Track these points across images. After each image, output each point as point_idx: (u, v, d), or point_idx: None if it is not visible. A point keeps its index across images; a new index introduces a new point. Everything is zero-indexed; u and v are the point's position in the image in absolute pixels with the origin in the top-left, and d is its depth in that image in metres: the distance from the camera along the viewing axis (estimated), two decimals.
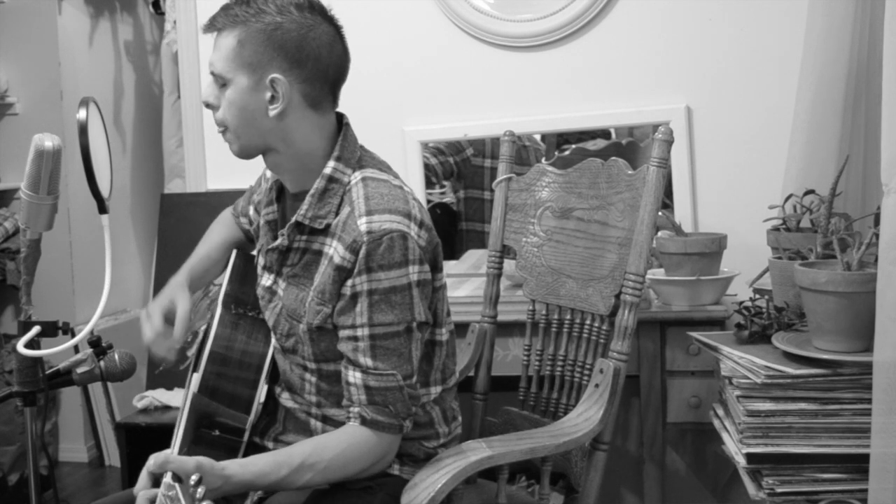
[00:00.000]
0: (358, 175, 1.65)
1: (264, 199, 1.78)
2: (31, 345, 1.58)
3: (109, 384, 3.72)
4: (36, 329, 1.59)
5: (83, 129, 1.54)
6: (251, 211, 1.91)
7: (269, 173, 1.79)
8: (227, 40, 1.59)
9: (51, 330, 1.61)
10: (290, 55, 1.58)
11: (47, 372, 1.64)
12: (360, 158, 1.68)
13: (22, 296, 1.63)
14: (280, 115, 1.59)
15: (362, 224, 1.57)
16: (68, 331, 1.64)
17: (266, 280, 1.75)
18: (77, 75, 3.76)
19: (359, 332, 1.58)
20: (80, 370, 1.66)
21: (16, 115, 3.69)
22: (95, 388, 3.76)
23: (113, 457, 3.74)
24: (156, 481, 1.46)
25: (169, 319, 1.75)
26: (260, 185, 1.88)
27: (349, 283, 1.58)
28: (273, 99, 1.59)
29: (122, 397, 3.72)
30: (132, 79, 4.10)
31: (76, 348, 1.89)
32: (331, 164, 1.64)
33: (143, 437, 2.90)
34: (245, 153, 1.65)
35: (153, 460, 1.45)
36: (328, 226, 1.63)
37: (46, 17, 3.65)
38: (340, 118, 1.70)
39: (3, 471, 3.24)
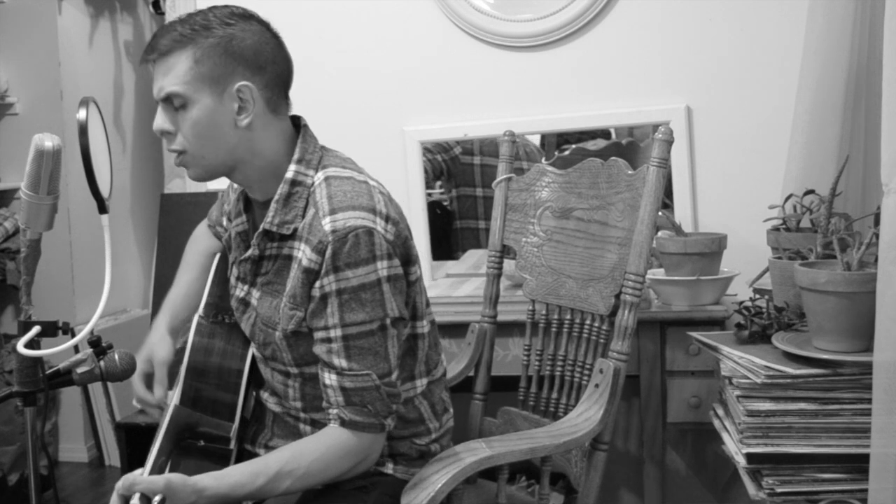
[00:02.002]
0: (321, 175, 1.63)
1: (233, 209, 1.77)
2: (31, 345, 1.58)
3: (109, 384, 3.72)
4: (36, 329, 1.59)
5: (83, 129, 1.54)
6: (225, 221, 1.89)
7: (236, 184, 1.78)
8: (179, 61, 1.56)
9: (51, 330, 1.61)
10: (249, 62, 1.58)
11: (47, 372, 1.63)
12: (321, 158, 1.67)
13: (22, 296, 1.63)
14: (248, 125, 1.59)
15: (326, 224, 1.56)
16: (68, 331, 1.64)
17: (239, 291, 1.74)
18: (77, 75, 3.76)
19: (331, 334, 1.57)
20: (80, 370, 1.66)
21: (16, 115, 3.69)
22: (95, 388, 3.76)
23: (113, 457, 3.74)
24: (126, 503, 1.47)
25: (150, 375, 1.78)
26: (229, 196, 1.86)
27: (318, 284, 1.57)
28: (241, 109, 1.58)
29: (122, 397, 3.72)
30: (132, 79, 4.11)
31: (76, 348, 1.89)
32: (292, 167, 1.63)
33: (143, 437, 2.90)
34: (208, 174, 1.63)
35: (122, 483, 1.45)
36: (295, 230, 1.62)
37: (46, 17, 3.64)
38: (297, 121, 1.70)
39: (3, 471, 3.24)
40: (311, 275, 1.57)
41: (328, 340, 1.58)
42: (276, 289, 1.65)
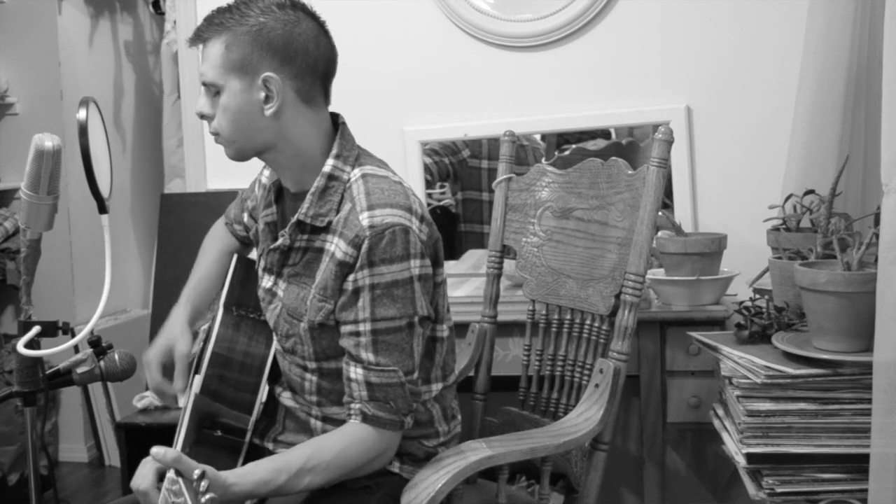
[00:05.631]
0: (358, 172, 1.66)
1: (262, 202, 1.78)
2: (31, 345, 1.58)
3: (109, 384, 3.72)
4: (36, 329, 1.59)
5: (83, 129, 1.54)
6: (245, 217, 1.91)
7: (264, 178, 1.80)
8: (214, 48, 1.60)
9: (51, 330, 1.61)
10: (278, 52, 1.60)
11: (47, 372, 1.64)
12: (358, 156, 1.69)
13: (22, 296, 1.63)
14: (276, 114, 1.61)
15: (364, 219, 1.58)
16: (68, 331, 1.64)
17: (266, 282, 1.75)
18: (77, 75, 3.76)
19: (361, 328, 1.59)
20: (80, 370, 1.66)
21: (16, 115, 3.69)
22: (95, 388, 3.76)
23: (113, 457, 3.74)
24: (161, 476, 1.45)
25: (168, 365, 1.77)
26: (253, 191, 1.88)
27: (351, 277, 1.59)
28: (268, 98, 1.60)
29: (122, 397, 3.72)
30: (132, 79, 4.11)
31: (76, 348, 1.89)
32: (330, 161, 1.65)
33: (143, 437, 2.90)
34: (241, 156, 1.66)
35: (163, 452, 1.42)
36: (329, 223, 1.63)
37: (46, 17, 3.65)
38: (336, 118, 1.72)
39: (3, 471, 3.24)
40: (344, 268, 1.59)
41: (357, 334, 1.59)
42: (304, 281, 1.67)
